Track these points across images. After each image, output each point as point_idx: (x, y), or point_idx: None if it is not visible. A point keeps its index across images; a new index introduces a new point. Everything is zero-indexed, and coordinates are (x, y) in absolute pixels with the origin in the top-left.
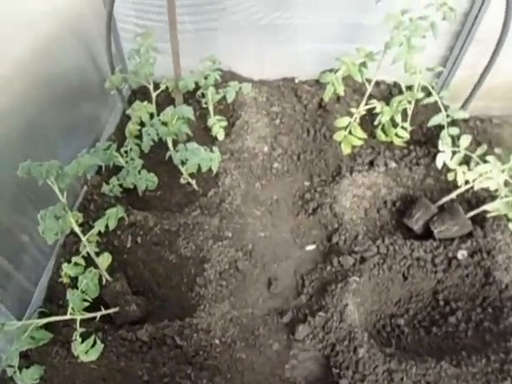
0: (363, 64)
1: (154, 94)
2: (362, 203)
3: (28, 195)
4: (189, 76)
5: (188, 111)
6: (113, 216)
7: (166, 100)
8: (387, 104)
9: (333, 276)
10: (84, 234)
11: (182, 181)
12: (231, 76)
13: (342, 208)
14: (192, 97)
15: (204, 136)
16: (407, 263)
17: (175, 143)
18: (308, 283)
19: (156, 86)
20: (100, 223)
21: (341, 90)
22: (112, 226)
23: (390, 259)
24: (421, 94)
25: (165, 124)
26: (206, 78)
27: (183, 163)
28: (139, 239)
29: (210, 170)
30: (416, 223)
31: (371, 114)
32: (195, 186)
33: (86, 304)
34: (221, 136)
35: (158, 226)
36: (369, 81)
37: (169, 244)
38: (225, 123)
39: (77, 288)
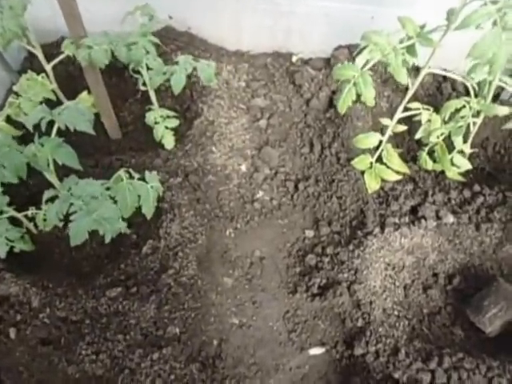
0: (411, 50)
1: (48, 66)
2: (399, 278)
3: None
4: (99, 41)
5: (83, 121)
6: None
7: (77, 71)
8: (436, 110)
9: None
10: None
11: None
12: (189, 41)
13: (370, 292)
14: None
15: (145, 135)
16: None
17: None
18: None
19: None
20: None
21: (370, 98)
22: None
23: None
24: (504, 109)
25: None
26: (129, 47)
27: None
28: (13, 331)
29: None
30: (490, 323)
31: (410, 121)
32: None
33: None
34: (169, 144)
35: (46, 311)
36: (410, 71)
37: (66, 346)
38: (175, 122)
39: None
